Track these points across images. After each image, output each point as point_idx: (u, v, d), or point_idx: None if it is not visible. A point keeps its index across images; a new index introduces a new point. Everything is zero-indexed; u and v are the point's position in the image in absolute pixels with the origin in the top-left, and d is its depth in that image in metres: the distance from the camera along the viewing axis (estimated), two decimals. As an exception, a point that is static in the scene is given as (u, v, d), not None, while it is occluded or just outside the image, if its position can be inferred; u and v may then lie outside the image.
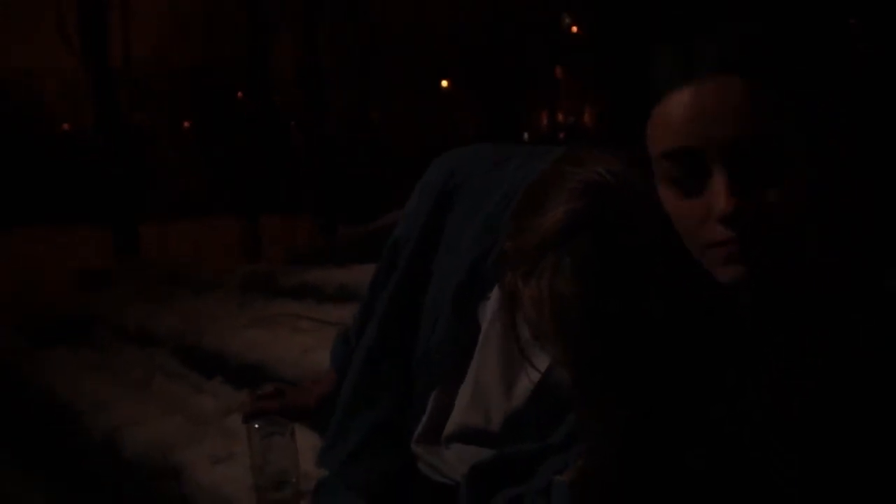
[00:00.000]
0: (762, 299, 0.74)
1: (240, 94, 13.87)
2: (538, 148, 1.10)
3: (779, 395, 0.71)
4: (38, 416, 4.46)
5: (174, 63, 16.42)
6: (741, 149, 0.71)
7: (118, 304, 6.64)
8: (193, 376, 4.50)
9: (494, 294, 1.02)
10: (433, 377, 1.14)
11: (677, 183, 0.76)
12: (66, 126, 20.62)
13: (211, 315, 5.27)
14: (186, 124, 19.06)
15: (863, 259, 0.69)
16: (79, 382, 4.65)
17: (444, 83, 18.51)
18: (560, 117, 18.73)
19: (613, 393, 0.80)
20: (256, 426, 1.28)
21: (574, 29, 16.26)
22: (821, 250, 0.70)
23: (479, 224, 1.06)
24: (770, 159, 0.70)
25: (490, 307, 1.04)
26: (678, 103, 0.73)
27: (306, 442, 1.82)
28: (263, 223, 12.51)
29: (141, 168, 13.95)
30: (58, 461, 3.80)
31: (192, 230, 12.49)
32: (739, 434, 0.72)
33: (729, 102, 0.70)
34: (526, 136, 18.73)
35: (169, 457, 3.36)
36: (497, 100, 15.96)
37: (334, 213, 11.69)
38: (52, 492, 3.47)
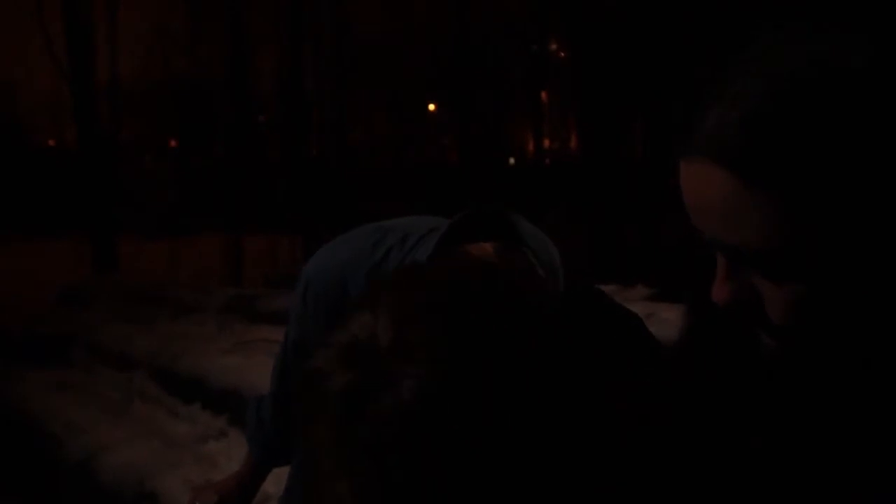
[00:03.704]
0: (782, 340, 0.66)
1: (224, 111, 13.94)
2: (415, 225, 1.11)
3: (797, 432, 0.66)
4: (13, 437, 4.42)
5: (158, 80, 16.43)
6: (726, 245, 0.61)
7: (96, 324, 6.60)
8: (171, 400, 4.49)
9: None
10: None
11: None
12: (51, 142, 20.58)
13: (189, 338, 5.26)
14: (173, 143, 19.02)
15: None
16: (55, 404, 4.62)
17: (432, 107, 18.61)
18: (546, 142, 18.86)
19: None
20: None
21: (561, 55, 16.44)
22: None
23: None
24: (763, 259, 0.60)
25: None
26: (680, 169, 0.63)
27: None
28: (246, 243, 12.47)
29: (123, 184, 13.91)
30: (33, 484, 3.77)
31: (174, 248, 12.43)
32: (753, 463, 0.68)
33: (710, 194, 0.59)
34: (512, 160, 18.87)
35: (145, 482, 3.35)
36: (482, 124, 16.06)
37: (318, 234, 11.70)
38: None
